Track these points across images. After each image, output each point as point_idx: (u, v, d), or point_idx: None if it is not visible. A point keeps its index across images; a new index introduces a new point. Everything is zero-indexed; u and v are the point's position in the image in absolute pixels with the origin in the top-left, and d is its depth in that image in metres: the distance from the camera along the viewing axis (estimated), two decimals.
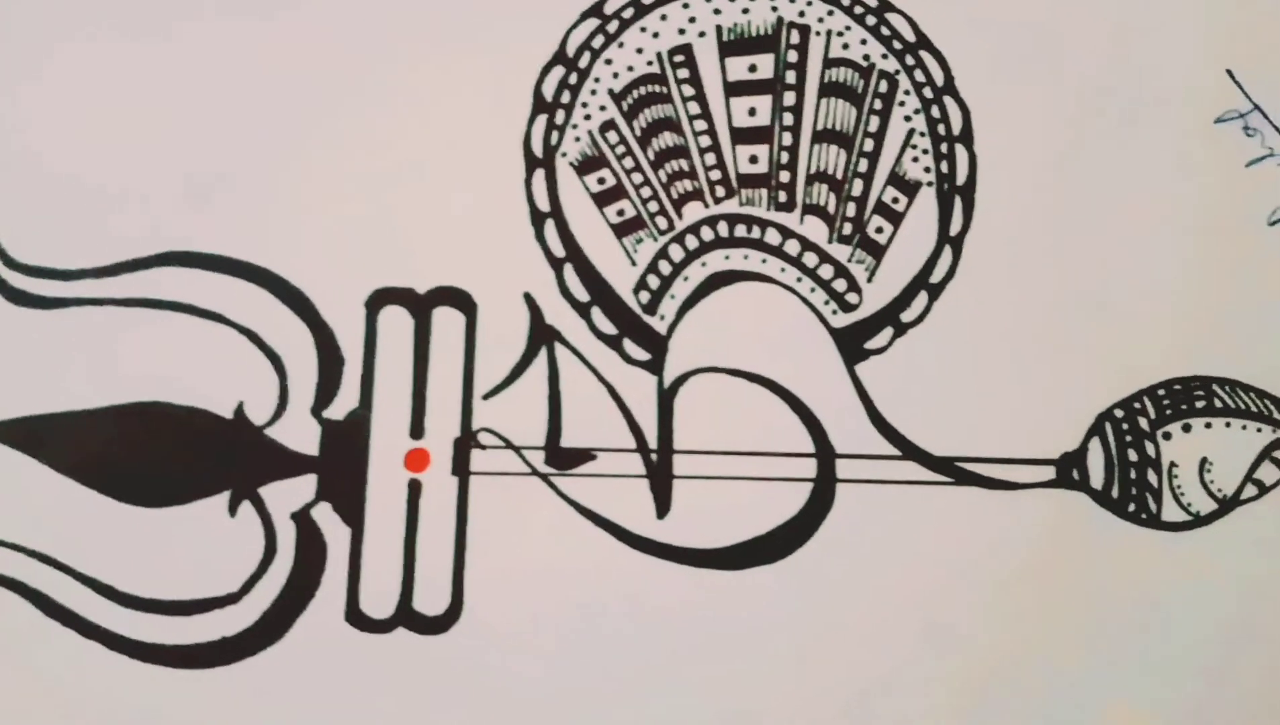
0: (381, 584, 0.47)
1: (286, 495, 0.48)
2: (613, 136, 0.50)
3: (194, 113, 0.50)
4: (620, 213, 0.50)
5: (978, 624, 0.48)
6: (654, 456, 0.48)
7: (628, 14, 0.51)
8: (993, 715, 0.48)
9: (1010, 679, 0.48)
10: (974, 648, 0.48)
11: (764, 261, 0.50)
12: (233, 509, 0.48)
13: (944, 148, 0.51)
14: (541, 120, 0.50)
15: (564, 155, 0.50)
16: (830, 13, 0.51)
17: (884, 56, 0.51)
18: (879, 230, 0.50)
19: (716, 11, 0.51)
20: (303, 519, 0.48)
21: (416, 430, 0.48)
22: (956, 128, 0.51)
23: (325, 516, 0.48)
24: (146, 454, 0.48)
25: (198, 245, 0.49)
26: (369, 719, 0.47)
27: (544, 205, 0.50)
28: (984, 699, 0.48)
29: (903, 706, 0.48)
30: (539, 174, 0.50)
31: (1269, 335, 0.50)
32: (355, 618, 0.47)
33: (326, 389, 0.48)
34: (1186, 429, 0.50)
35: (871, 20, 0.51)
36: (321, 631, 0.47)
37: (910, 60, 0.51)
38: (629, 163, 0.50)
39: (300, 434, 0.48)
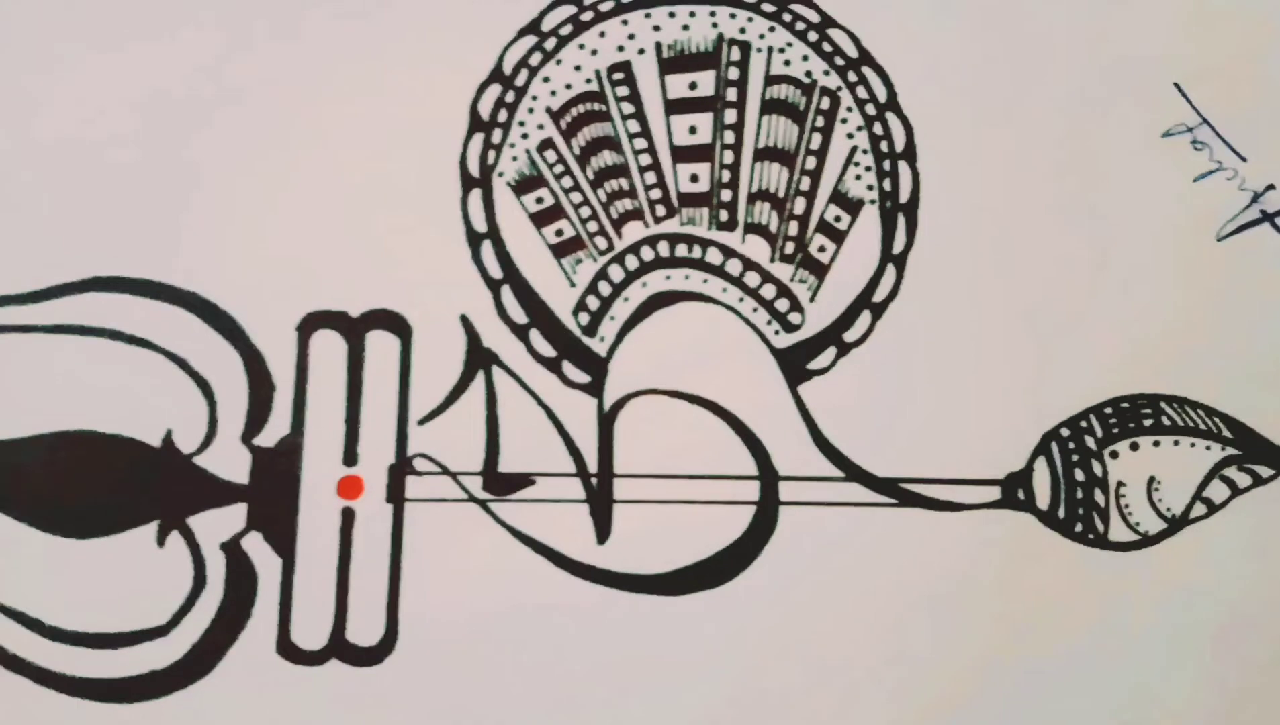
0: (314, 615, 0.47)
1: (216, 525, 0.47)
2: (551, 155, 0.50)
3: (121, 135, 0.49)
4: (559, 233, 0.50)
5: (924, 647, 0.48)
6: (594, 481, 0.48)
7: (566, 31, 0.50)
8: None
9: (956, 701, 0.48)
10: (921, 671, 0.48)
11: (705, 281, 0.50)
12: (161, 539, 0.47)
13: (887, 165, 0.50)
14: (478, 139, 0.50)
15: (501, 175, 0.50)
16: (771, 29, 0.51)
17: (826, 73, 0.51)
18: (821, 249, 0.50)
19: (656, 28, 0.51)
20: (233, 549, 0.47)
21: (350, 457, 0.48)
22: (899, 145, 0.51)
23: (256, 546, 0.47)
24: (73, 483, 0.47)
25: (125, 270, 0.48)
26: None
27: (480, 226, 0.49)
28: (931, 721, 0.48)
29: None
30: (475, 194, 0.49)
31: (1217, 352, 0.50)
32: (287, 649, 0.46)
33: (257, 415, 0.47)
34: (1134, 448, 0.50)
35: (813, 36, 0.51)
36: (252, 664, 0.46)
37: (853, 77, 0.51)
38: (567, 182, 0.50)
39: (230, 462, 0.47)
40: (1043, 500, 0.49)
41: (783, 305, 0.50)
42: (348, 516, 0.47)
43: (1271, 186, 0.52)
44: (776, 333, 0.50)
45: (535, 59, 0.50)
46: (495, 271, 0.49)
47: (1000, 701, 0.48)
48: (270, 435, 0.48)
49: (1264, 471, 0.49)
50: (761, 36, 0.51)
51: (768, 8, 0.51)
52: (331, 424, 0.48)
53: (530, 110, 0.50)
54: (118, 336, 0.48)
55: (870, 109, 0.51)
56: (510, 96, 0.50)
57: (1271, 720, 0.48)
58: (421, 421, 0.48)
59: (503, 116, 0.50)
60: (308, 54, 0.50)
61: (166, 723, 0.46)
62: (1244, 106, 0.52)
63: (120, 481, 0.47)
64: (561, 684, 0.47)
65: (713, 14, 0.51)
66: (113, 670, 0.46)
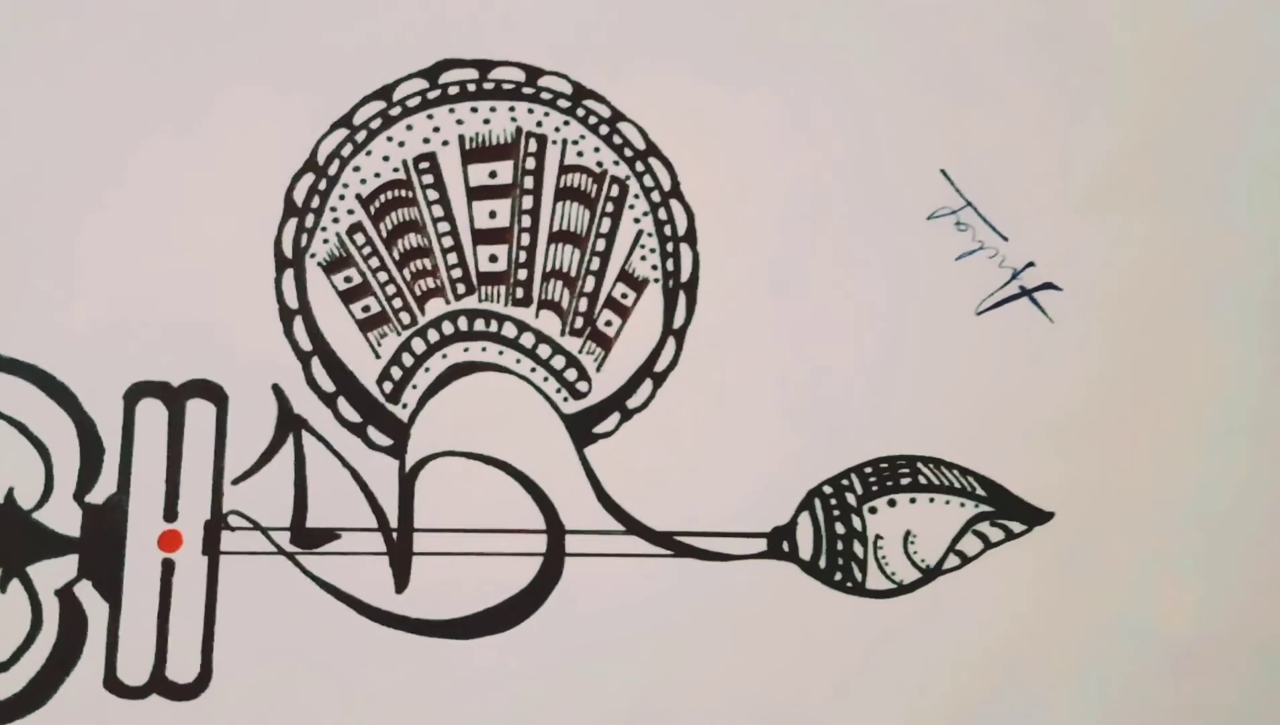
0: (137, 654, 0.53)
1: (51, 573, 0.53)
2: (360, 238, 0.56)
3: None
4: (366, 309, 0.56)
5: (693, 686, 0.54)
6: (395, 535, 0.54)
7: (375, 125, 0.57)
8: None
9: None
10: (691, 707, 0.54)
11: (501, 353, 0.56)
12: (3, 586, 0.53)
13: (670, 247, 0.57)
14: (292, 223, 0.56)
15: (313, 256, 0.56)
16: (566, 122, 0.57)
17: (615, 163, 0.57)
18: (608, 323, 0.56)
19: (460, 122, 0.57)
20: (66, 595, 0.53)
21: (170, 513, 0.54)
22: (682, 228, 0.57)
23: (86, 593, 0.53)
24: None
25: None
26: None
27: (293, 302, 0.55)
28: None
29: None
30: (288, 273, 0.56)
31: (973, 415, 0.56)
32: (113, 685, 0.53)
33: (88, 476, 0.54)
34: (892, 504, 0.55)
35: (604, 130, 0.57)
36: (82, 697, 0.53)
37: (640, 166, 0.57)
38: (375, 262, 0.56)
39: (64, 517, 0.54)
40: (806, 551, 0.55)
41: (571, 375, 0.56)
42: (168, 567, 0.54)
43: (1031, 264, 0.58)
44: (565, 400, 0.56)
45: (347, 150, 0.56)
46: (305, 344, 0.55)
47: None
48: (100, 493, 0.54)
49: (1015, 527, 0.56)
50: (557, 130, 0.57)
51: (563, 104, 0.57)
52: (154, 483, 0.54)
53: (341, 196, 0.56)
54: None
55: (655, 196, 0.57)
56: (323, 184, 0.56)
57: None
58: (235, 481, 0.54)
59: (315, 203, 0.56)
60: (138, 141, 0.56)
61: None
62: (1006, 190, 0.57)
63: None
64: (359, 719, 0.53)
65: (512, 109, 0.57)
66: None
